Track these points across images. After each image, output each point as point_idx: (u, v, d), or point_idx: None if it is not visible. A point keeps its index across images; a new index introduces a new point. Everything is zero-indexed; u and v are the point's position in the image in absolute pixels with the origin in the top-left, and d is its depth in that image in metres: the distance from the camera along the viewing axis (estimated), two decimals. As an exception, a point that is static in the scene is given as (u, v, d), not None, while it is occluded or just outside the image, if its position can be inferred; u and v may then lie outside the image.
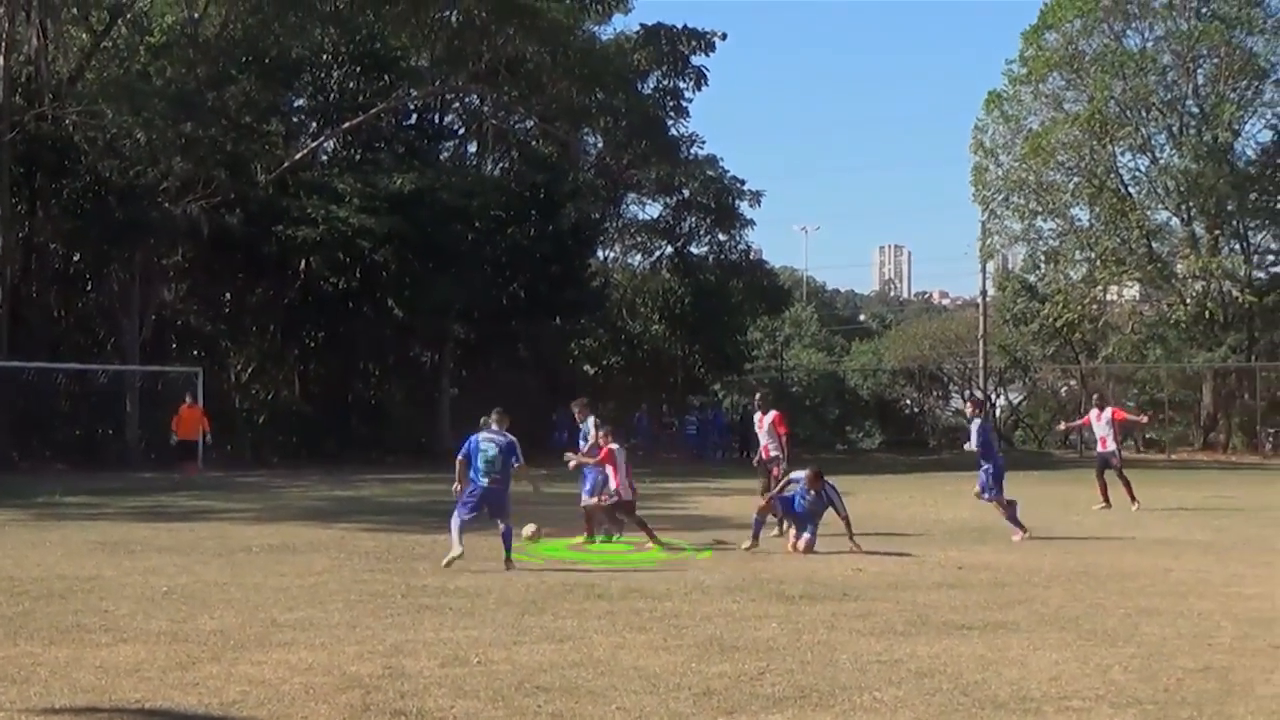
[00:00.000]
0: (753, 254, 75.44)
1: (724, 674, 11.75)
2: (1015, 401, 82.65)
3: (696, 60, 66.81)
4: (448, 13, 60.08)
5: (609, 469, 22.90)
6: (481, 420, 20.26)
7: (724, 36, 66.30)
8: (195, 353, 56.13)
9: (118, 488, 36.63)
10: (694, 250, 72.36)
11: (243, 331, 59.11)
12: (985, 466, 25.08)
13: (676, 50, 66.11)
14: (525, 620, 14.56)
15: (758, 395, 29.86)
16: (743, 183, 70.39)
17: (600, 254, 71.57)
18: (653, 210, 73.20)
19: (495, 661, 12.20)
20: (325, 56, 56.33)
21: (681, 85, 67.65)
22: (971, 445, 25.64)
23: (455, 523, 19.58)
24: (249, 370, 59.87)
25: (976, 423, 26.13)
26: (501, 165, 65.72)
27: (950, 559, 20.82)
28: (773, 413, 26.93)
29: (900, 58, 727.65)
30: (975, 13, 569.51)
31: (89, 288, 56.87)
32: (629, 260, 76.12)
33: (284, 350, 59.33)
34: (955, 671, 11.99)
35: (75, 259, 55.72)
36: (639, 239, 74.48)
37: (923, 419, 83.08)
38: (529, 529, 22.06)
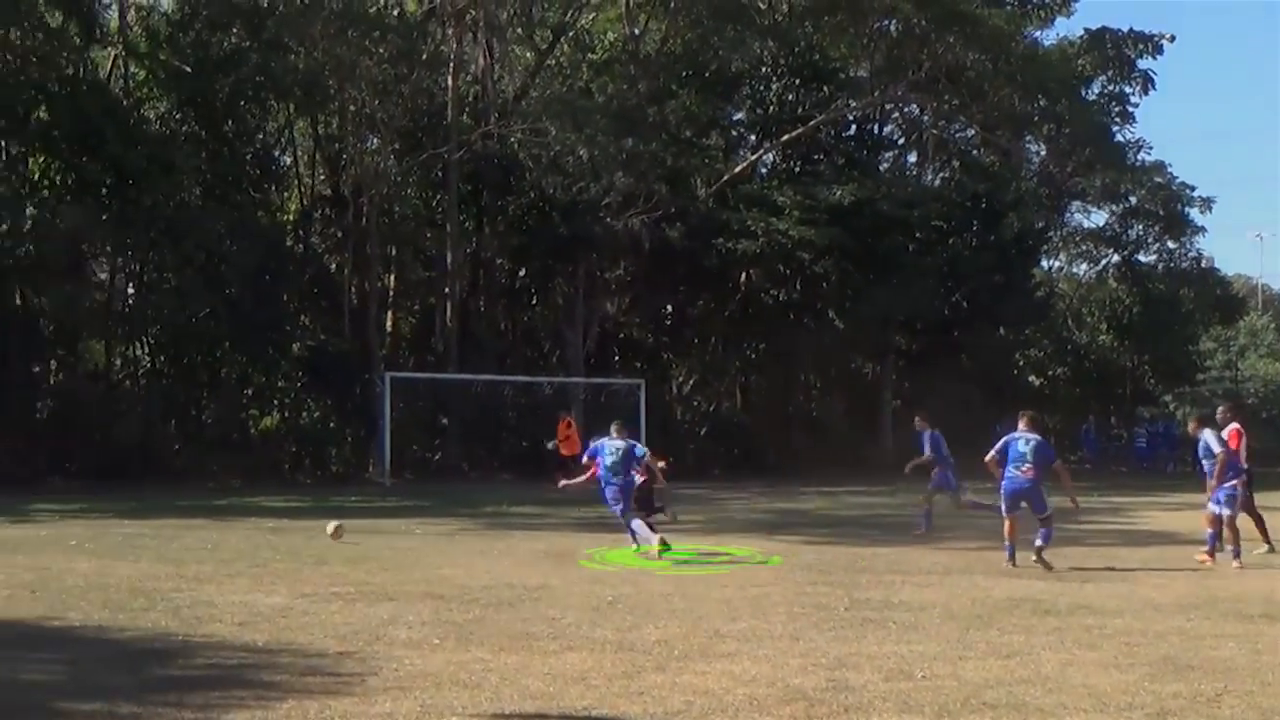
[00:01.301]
0: (1204, 262, 73.38)
1: (1179, 694, 11.19)
2: None
3: (1143, 64, 64.99)
4: (887, 22, 59.74)
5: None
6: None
7: (1172, 39, 64.29)
8: (637, 365, 56.92)
9: (562, 498, 37.22)
10: (1142, 258, 70.86)
11: (684, 343, 59.80)
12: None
13: (1122, 54, 64.35)
14: (970, 635, 14.15)
15: (1219, 409, 28.64)
16: (1193, 189, 68.64)
17: (1044, 263, 70.45)
18: (1098, 218, 71.94)
19: (940, 676, 11.85)
20: (764, 69, 56.57)
21: (1127, 90, 65.91)
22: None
23: (635, 525, 22.30)
24: (690, 382, 60.50)
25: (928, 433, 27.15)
26: (942, 175, 65.18)
27: None
28: (1232, 426, 25.70)
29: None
30: None
31: (534, 302, 58.27)
32: (1074, 269, 74.86)
33: (725, 362, 59.81)
34: None
35: (521, 274, 57.19)
36: (1084, 247, 73.27)
37: (1393, 432, 79.27)
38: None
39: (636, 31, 55.85)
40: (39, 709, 10.46)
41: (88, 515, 28.62)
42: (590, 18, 57.89)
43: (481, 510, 32.45)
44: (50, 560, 20.40)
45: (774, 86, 56.58)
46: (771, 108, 56.85)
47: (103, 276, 50.46)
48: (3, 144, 47.23)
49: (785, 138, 55.92)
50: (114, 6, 49.96)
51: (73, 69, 47.00)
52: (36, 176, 47.49)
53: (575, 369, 53.05)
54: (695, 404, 59.99)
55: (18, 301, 46.14)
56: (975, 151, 64.74)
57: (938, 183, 63.86)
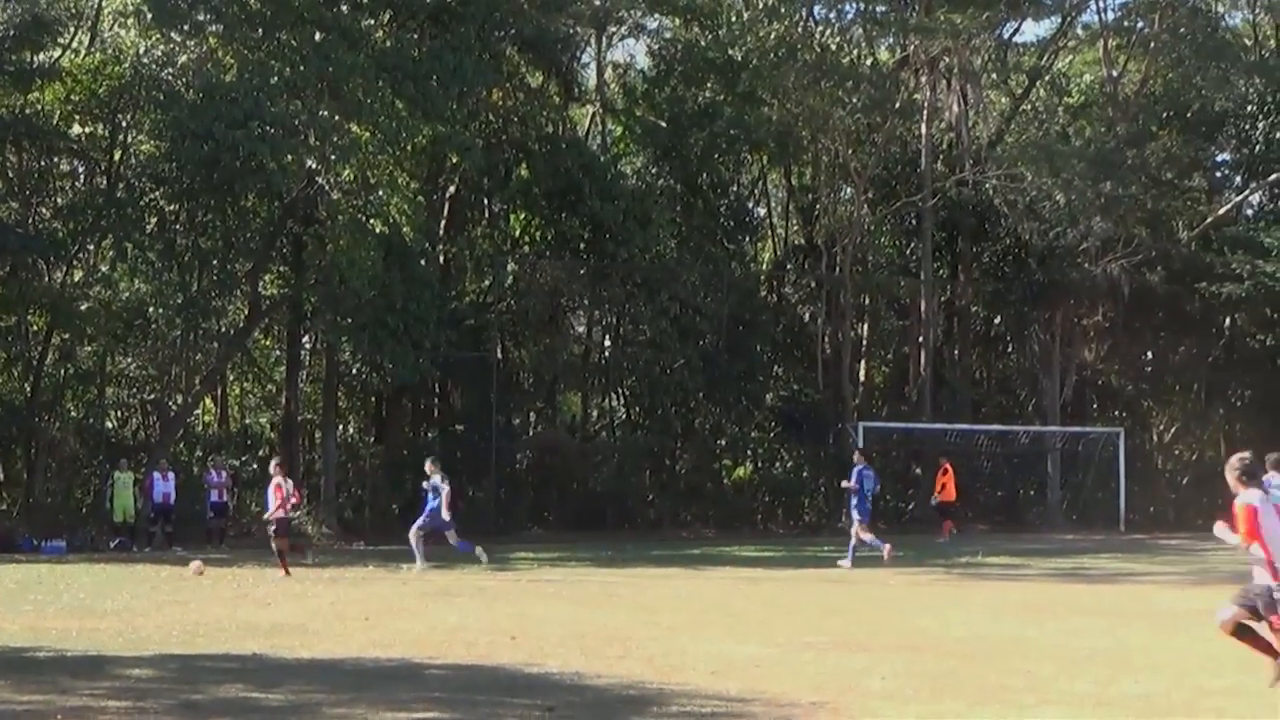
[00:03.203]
0: None
1: None
2: None
3: None
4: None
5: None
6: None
7: None
8: (1115, 413, 55.83)
9: (1038, 549, 36.62)
10: None
11: (1164, 391, 58.23)
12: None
13: None
14: None
15: None
16: None
17: None
18: None
19: None
20: (1250, 107, 54.50)
21: None
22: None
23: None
24: (1171, 430, 58.81)
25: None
26: None
27: None
28: None
29: None
30: None
31: (1009, 349, 57.58)
32: None
33: (1208, 410, 57.86)
34: None
35: (996, 321, 56.68)
36: None
37: None
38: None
39: (1115, 73, 54.80)
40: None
41: (565, 563, 29.34)
42: (1067, 61, 57.18)
43: (955, 561, 32.05)
44: (530, 608, 20.94)
45: (1260, 125, 54.42)
46: (1258, 146, 54.68)
47: (580, 329, 51.85)
48: (485, 202, 49.10)
49: (1273, 177, 53.76)
50: (592, 65, 51.44)
51: (552, 127, 48.50)
52: (518, 233, 49.23)
53: (1051, 417, 52.19)
54: (1176, 452, 58.30)
55: (499, 355, 47.68)
56: None
57: None
